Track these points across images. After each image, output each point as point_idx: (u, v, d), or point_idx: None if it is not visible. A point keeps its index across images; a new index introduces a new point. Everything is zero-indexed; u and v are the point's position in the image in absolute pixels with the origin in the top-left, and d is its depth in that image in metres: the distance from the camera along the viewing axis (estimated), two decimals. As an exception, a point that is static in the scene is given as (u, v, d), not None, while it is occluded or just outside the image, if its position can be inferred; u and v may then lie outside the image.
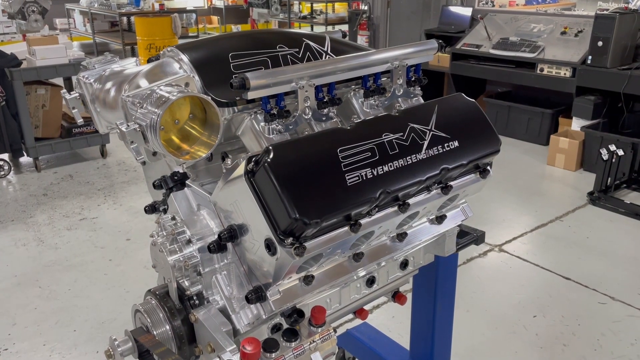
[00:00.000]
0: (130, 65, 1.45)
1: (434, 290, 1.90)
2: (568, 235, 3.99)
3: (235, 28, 14.37)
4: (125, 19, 11.26)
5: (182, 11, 11.96)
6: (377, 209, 1.23)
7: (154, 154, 1.30)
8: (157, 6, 10.33)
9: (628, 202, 4.36)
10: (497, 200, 4.52)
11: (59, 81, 5.65)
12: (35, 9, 8.38)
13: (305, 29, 12.29)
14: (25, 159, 5.47)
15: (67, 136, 5.32)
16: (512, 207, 4.47)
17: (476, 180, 1.46)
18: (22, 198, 4.68)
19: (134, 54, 10.84)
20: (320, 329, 1.28)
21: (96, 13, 11.19)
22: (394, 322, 2.96)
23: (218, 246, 1.26)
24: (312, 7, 12.19)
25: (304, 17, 12.17)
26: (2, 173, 5.09)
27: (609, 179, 4.51)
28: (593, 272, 3.49)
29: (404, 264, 1.62)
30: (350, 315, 1.68)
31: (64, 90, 1.49)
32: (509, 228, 4.09)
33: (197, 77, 1.31)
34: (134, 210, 4.39)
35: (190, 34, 12.04)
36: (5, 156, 5.18)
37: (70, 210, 4.41)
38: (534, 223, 4.16)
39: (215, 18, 14.92)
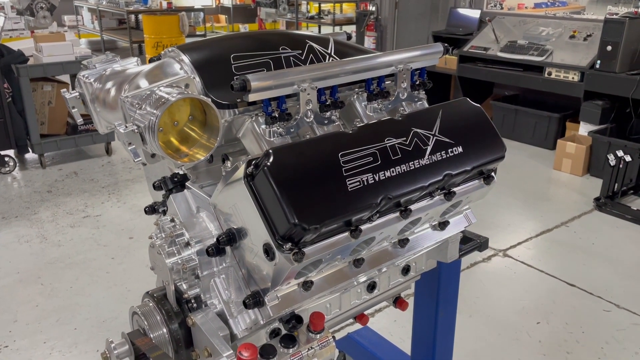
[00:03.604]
0: (131, 65, 1.43)
1: (436, 295, 1.88)
2: (573, 241, 3.96)
3: (242, 27, 14.38)
4: (133, 16, 11.30)
5: (189, 10, 11.98)
6: (378, 214, 1.21)
7: (153, 155, 1.28)
8: (164, 4, 10.35)
9: (635, 209, 4.32)
10: (502, 205, 4.48)
11: (66, 78, 5.65)
12: (43, 6, 8.40)
13: (313, 29, 12.31)
14: (30, 156, 5.47)
15: (73, 133, 5.33)
16: (517, 211, 4.44)
17: (480, 187, 1.44)
18: (26, 194, 4.68)
19: (141, 52, 10.85)
20: (319, 335, 1.26)
21: (104, 10, 11.24)
22: (395, 326, 2.94)
23: (217, 249, 1.25)
24: (319, 7, 12.18)
25: (312, 17, 12.16)
26: (7, 169, 5.10)
27: (616, 184, 4.47)
28: (598, 279, 3.45)
29: (406, 270, 1.60)
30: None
31: (64, 90, 1.47)
32: (513, 233, 4.05)
33: (197, 78, 1.29)
34: (138, 208, 4.38)
35: (197, 33, 12.05)
36: (11, 152, 5.20)
37: (74, 208, 4.41)
38: (539, 228, 4.13)
39: (222, 17, 14.93)
